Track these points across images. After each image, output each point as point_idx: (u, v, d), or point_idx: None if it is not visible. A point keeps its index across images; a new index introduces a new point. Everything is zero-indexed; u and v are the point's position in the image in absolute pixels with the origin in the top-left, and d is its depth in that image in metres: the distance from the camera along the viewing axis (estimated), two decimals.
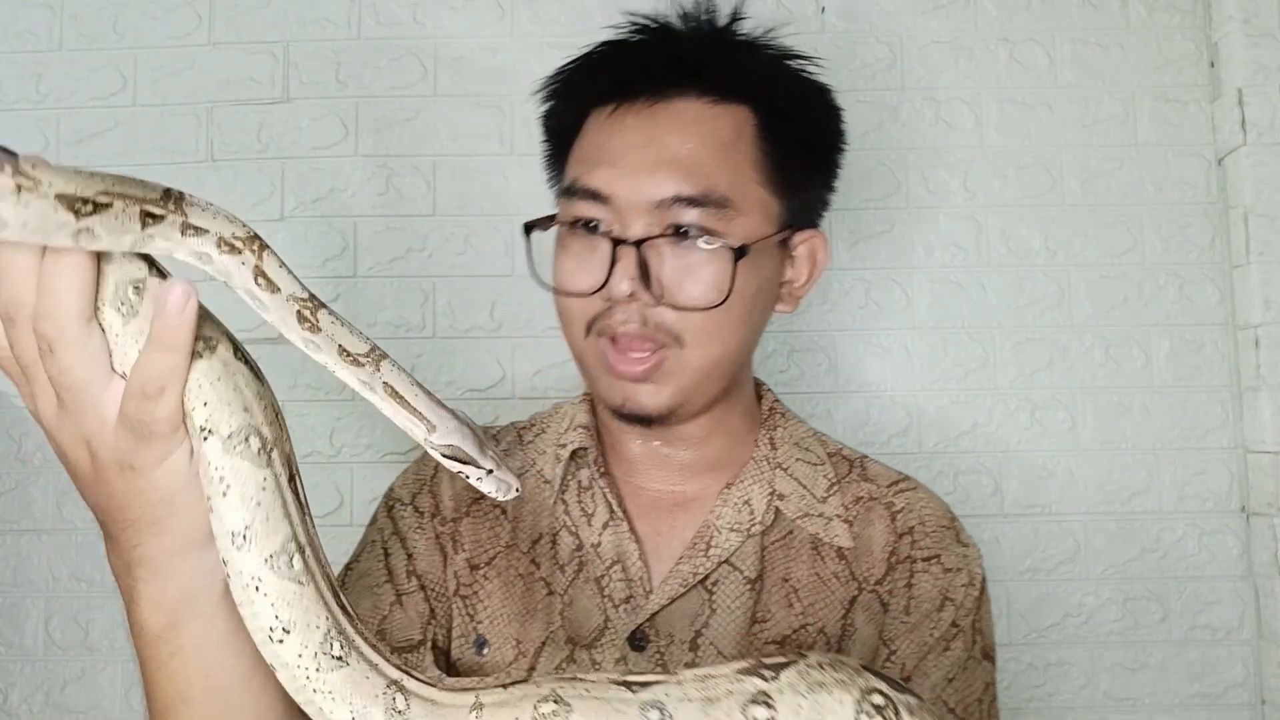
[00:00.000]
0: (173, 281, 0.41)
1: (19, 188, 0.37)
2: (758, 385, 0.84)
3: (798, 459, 0.79)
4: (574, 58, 0.79)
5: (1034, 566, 1.19)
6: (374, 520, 0.82)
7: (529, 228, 0.77)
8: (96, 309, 0.42)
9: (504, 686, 0.45)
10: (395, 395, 0.48)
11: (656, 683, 0.42)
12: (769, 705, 0.41)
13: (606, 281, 0.70)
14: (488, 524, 0.79)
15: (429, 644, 0.75)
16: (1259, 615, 1.16)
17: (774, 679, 0.42)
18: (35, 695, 1.19)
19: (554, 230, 0.78)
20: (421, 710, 0.44)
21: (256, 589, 0.42)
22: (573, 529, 0.76)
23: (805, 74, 0.78)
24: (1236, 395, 1.20)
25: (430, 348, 1.22)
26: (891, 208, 1.23)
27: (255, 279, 0.44)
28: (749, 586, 0.73)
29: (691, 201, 0.69)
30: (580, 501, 0.77)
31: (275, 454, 0.44)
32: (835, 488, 0.77)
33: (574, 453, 0.78)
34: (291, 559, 0.43)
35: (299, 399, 1.20)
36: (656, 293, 0.70)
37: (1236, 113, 1.17)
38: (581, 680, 0.43)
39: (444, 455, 0.49)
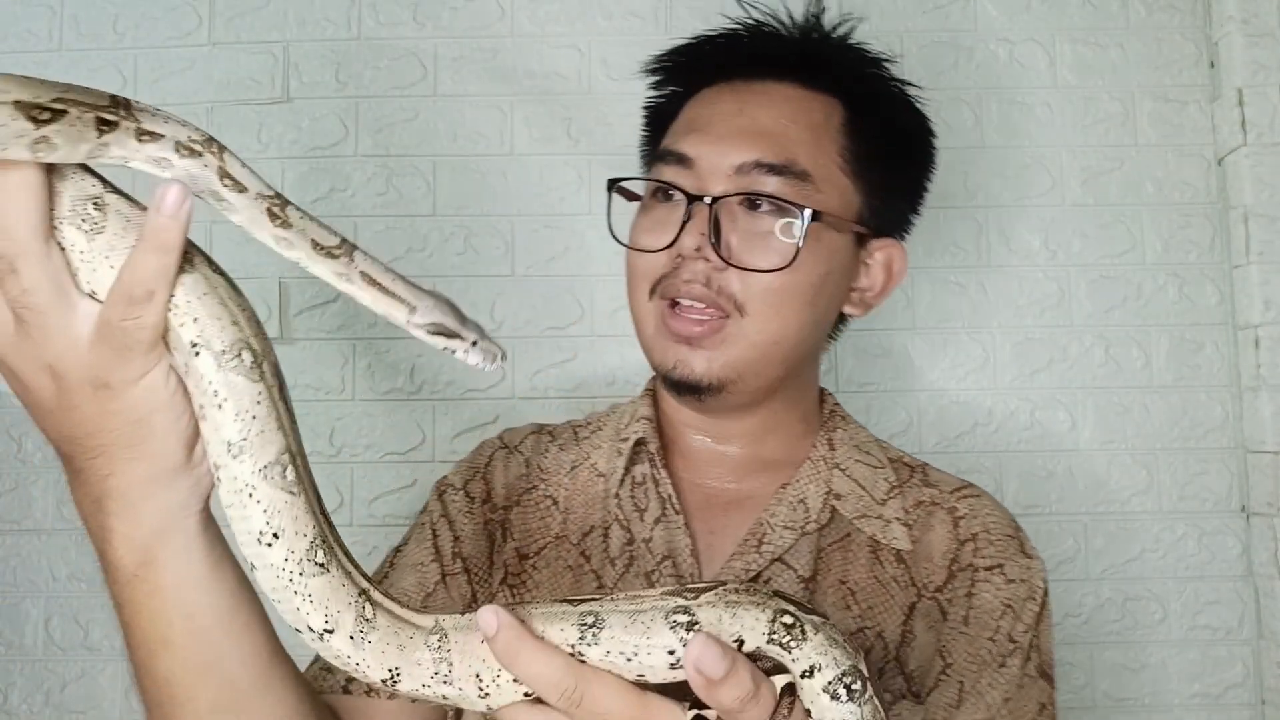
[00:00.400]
0: (169, 181, 0.41)
1: None
2: (822, 393, 0.84)
3: (857, 461, 0.78)
4: (683, 42, 0.82)
5: None
6: (425, 507, 0.83)
7: (612, 184, 0.80)
8: (55, 227, 0.41)
9: (461, 613, 0.47)
10: (373, 283, 0.48)
11: (593, 599, 0.46)
12: (690, 615, 0.44)
13: (676, 238, 0.71)
14: (538, 514, 0.79)
15: None
16: (1259, 615, 1.16)
17: (694, 599, 0.45)
18: (35, 695, 1.19)
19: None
20: (386, 620, 0.46)
21: (250, 495, 0.43)
22: (624, 523, 0.76)
23: (896, 84, 0.81)
24: (1236, 395, 1.20)
25: (430, 348, 1.22)
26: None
27: (221, 179, 0.44)
28: (802, 585, 0.72)
29: (772, 169, 0.71)
30: (634, 496, 0.77)
31: (266, 366, 0.44)
32: (896, 491, 0.77)
33: (635, 444, 0.78)
34: (285, 470, 0.43)
35: (299, 399, 1.20)
36: (725, 254, 0.71)
37: (1236, 113, 1.17)
38: (531, 603, 0.46)
39: (429, 334, 0.49)
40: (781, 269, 0.71)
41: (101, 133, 0.40)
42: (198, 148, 0.43)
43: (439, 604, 0.76)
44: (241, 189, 0.45)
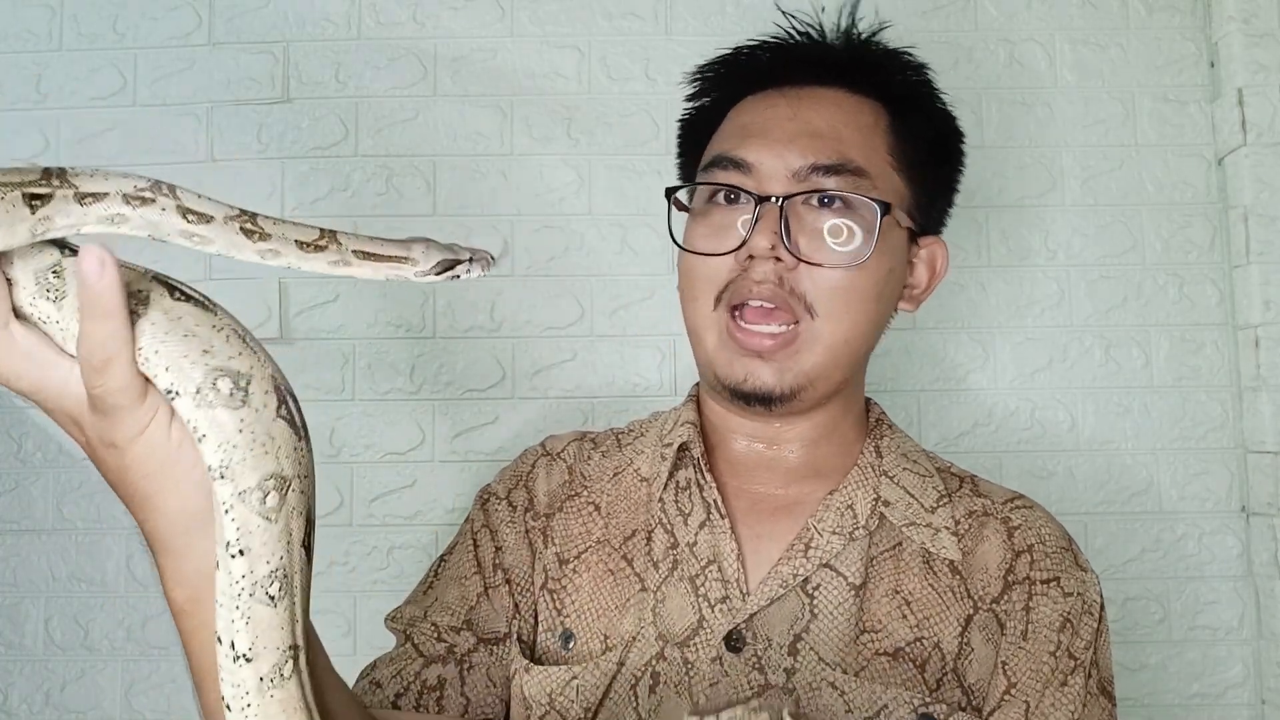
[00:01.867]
0: (83, 249, 0.40)
1: None
2: (868, 400, 0.84)
3: (905, 469, 0.78)
4: (726, 52, 0.83)
5: None
6: (468, 517, 0.83)
7: (670, 192, 0.80)
8: (20, 308, 0.42)
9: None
10: (369, 256, 0.49)
11: None
12: None
13: (746, 240, 0.71)
14: (580, 519, 0.79)
15: (514, 637, 0.76)
16: (1259, 615, 1.16)
17: None
18: (35, 695, 1.19)
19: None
20: (294, 690, 0.45)
21: (225, 512, 0.42)
22: (668, 526, 0.76)
23: (933, 87, 0.83)
24: (1236, 395, 1.20)
25: (430, 348, 1.22)
26: None
27: (184, 218, 0.44)
28: (853, 593, 0.71)
29: (830, 169, 0.72)
30: (677, 500, 0.77)
31: (253, 387, 0.43)
32: (945, 500, 0.76)
33: (679, 449, 0.78)
34: (266, 496, 0.43)
35: (300, 399, 1.20)
36: (795, 252, 0.71)
37: (1236, 113, 1.17)
38: None
39: (437, 274, 0.50)
40: (854, 264, 0.72)
41: (35, 208, 0.40)
42: (148, 194, 0.43)
43: (483, 616, 0.76)
44: (208, 219, 0.44)
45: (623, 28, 1.25)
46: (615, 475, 0.81)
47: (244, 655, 0.43)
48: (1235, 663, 1.17)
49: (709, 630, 0.71)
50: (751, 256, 0.72)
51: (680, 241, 0.77)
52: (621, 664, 0.72)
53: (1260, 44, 1.17)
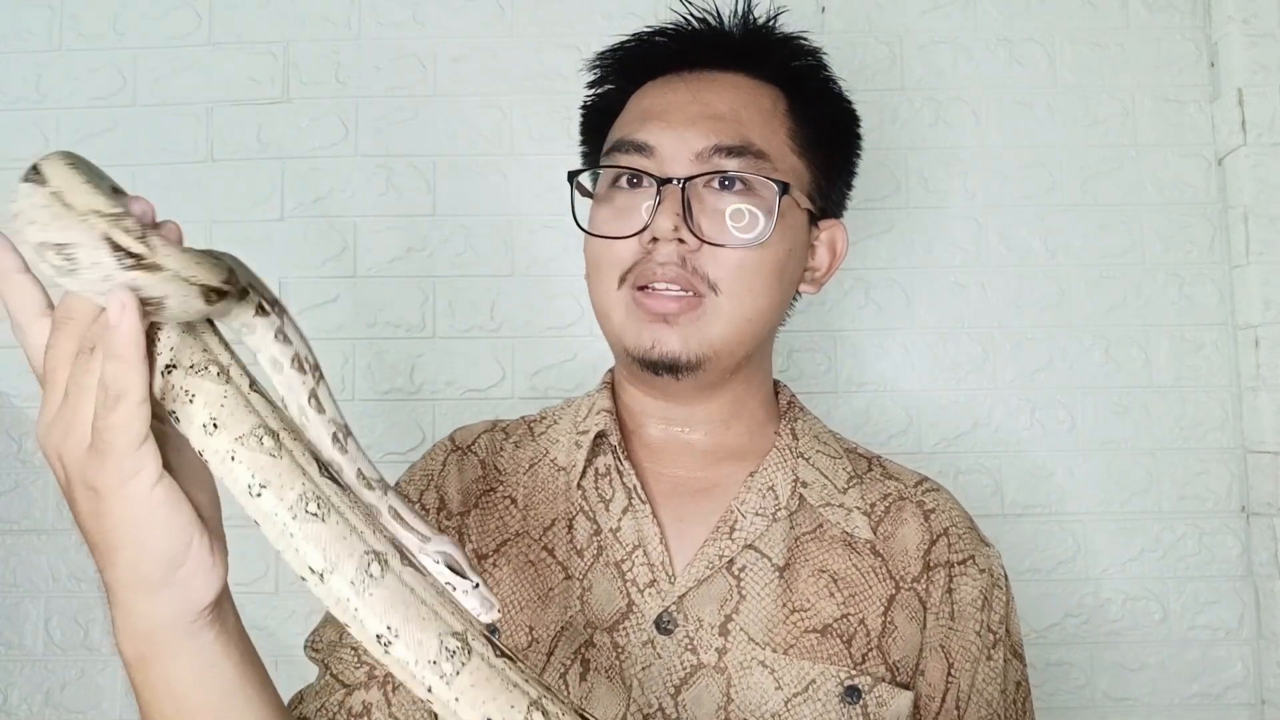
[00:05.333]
0: (110, 295, 0.42)
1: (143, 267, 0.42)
2: (776, 384, 0.86)
3: (818, 451, 0.80)
4: (626, 38, 0.84)
5: (1034, 566, 1.19)
6: None
7: (572, 176, 0.80)
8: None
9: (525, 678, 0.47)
10: (397, 516, 0.53)
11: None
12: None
13: (649, 223, 0.72)
14: (496, 514, 0.79)
15: None
16: (1259, 615, 1.16)
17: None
18: (35, 695, 1.19)
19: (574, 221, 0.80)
20: (394, 584, 0.46)
21: (232, 459, 0.45)
22: (590, 514, 0.76)
23: (828, 72, 0.84)
24: (1236, 395, 1.20)
25: (430, 348, 1.22)
26: (891, 208, 1.23)
27: (309, 399, 0.51)
28: (777, 574, 0.73)
29: (731, 151, 0.73)
30: (598, 487, 0.77)
31: (234, 370, 0.47)
32: (856, 481, 0.79)
33: (595, 437, 0.79)
34: (261, 439, 0.46)
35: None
36: (698, 233, 0.72)
37: (1236, 113, 1.17)
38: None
39: (434, 562, 0.52)
40: (756, 244, 0.73)
41: (258, 313, 0.49)
42: (307, 367, 0.51)
43: None
44: (322, 410, 0.52)
45: (622, 28, 1.24)
46: (531, 466, 0.80)
47: (321, 573, 0.45)
48: (1235, 663, 1.17)
49: (639, 614, 0.72)
50: (655, 239, 0.72)
51: (585, 226, 0.79)
52: (550, 654, 0.72)
53: (1260, 44, 1.17)
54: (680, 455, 0.79)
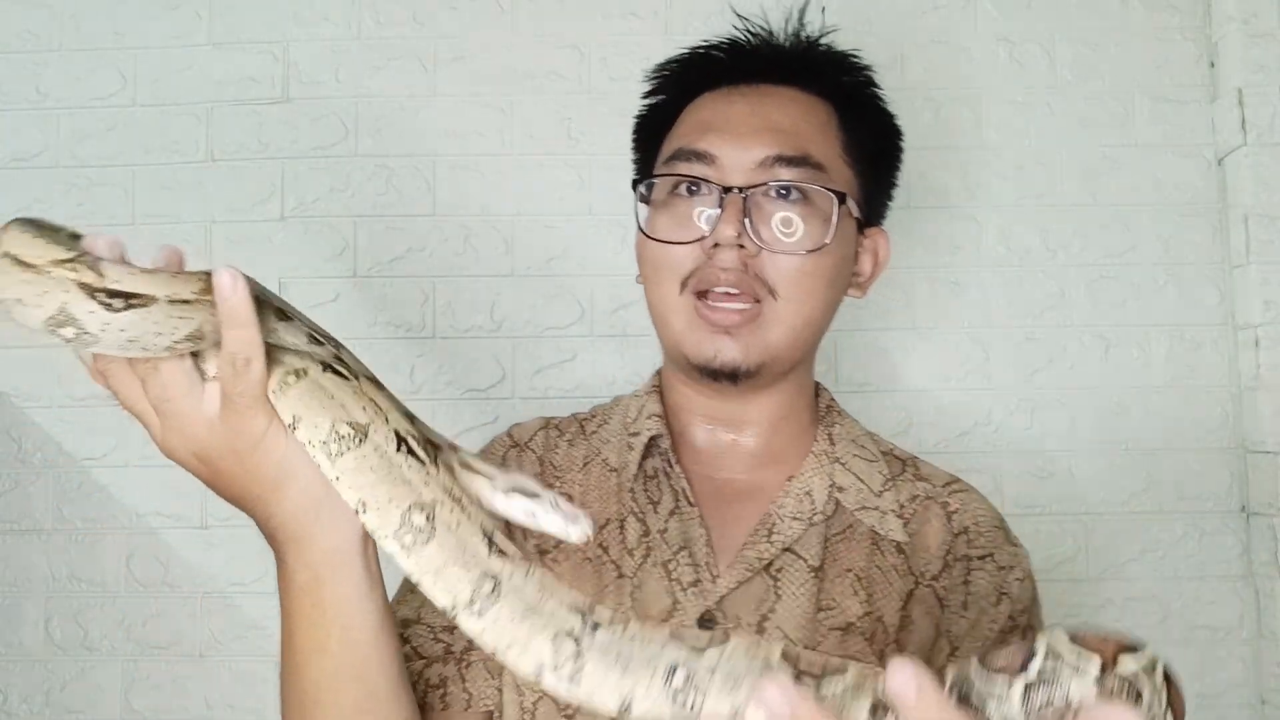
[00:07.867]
0: (216, 269, 0.48)
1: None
2: (817, 386, 0.88)
3: (854, 455, 0.82)
4: (684, 51, 0.87)
5: (1034, 567, 1.18)
6: None
7: (635, 184, 0.83)
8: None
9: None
10: (466, 465, 0.57)
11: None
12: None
13: (713, 229, 0.75)
14: None
15: None
16: (1259, 615, 1.16)
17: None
18: (35, 695, 1.19)
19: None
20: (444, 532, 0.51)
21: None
22: (640, 515, 0.79)
23: (876, 87, 0.87)
24: (1236, 395, 1.20)
25: (430, 348, 1.22)
26: (891, 207, 1.22)
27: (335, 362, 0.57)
28: (812, 575, 0.75)
29: (790, 161, 0.77)
30: (646, 490, 0.80)
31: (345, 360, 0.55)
32: (890, 484, 0.81)
33: (648, 441, 0.81)
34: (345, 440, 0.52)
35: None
36: (758, 240, 0.75)
37: (1236, 113, 1.17)
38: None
39: (508, 497, 0.57)
40: (814, 250, 0.76)
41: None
42: (323, 339, 0.57)
43: None
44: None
45: (622, 28, 1.25)
46: (585, 465, 0.83)
47: (362, 505, 0.51)
48: (1235, 663, 1.17)
49: (683, 612, 0.74)
50: (717, 245, 0.75)
51: (644, 230, 0.81)
52: None
53: (1260, 44, 1.17)
54: (726, 458, 0.82)
